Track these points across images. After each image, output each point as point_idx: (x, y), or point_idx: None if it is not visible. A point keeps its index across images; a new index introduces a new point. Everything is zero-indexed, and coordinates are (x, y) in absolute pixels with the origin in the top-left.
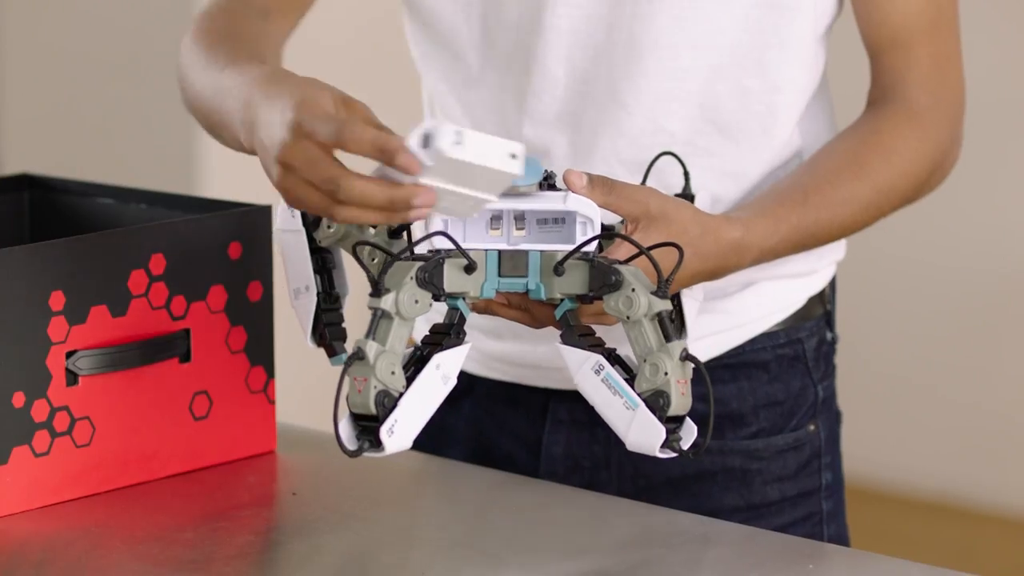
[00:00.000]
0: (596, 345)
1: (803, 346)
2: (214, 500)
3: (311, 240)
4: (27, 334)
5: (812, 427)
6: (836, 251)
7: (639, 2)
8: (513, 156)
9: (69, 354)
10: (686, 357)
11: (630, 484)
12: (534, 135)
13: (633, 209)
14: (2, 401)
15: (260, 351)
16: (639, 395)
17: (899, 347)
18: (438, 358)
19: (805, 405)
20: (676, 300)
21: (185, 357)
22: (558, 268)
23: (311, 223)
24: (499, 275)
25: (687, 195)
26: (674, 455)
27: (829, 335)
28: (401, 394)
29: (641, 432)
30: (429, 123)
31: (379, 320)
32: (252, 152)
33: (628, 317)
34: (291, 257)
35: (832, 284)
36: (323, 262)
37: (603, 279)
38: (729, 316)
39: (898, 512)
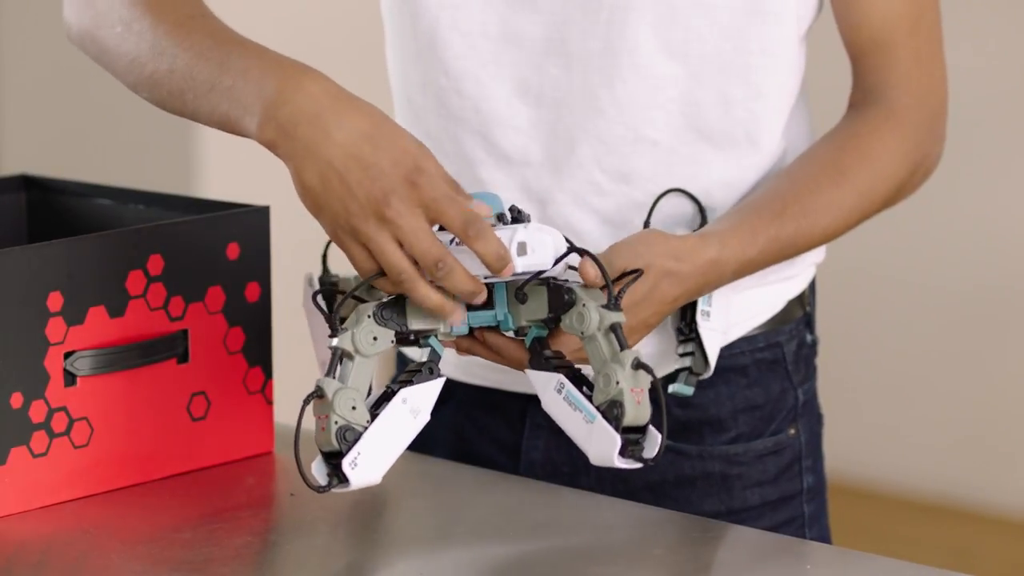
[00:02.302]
0: (562, 366)
1: (783, 349)
2: (212, 501)
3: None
4: (25, 335)
5: (792, 431)
6: (815, 253)
7: (614, 9)
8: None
9: (67, 355)
10: (639, 366)
11: (609, 488)
12: (509, 144)
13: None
14: (0, 402)
15: (258, 352)
16: (596, 408)
17: (880, 347)
18: (404, 393)
19: (785, 409)
20: (695, 334)
21: (183, 358)
22: (519, 294)
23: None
24: (467, 309)
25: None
26: (636, 465)
27: (809, 337)
28: (365, 428)
29: (599, 444)
30: (523, 234)
31: (339, 359)
32: (245, 135)
33: (583, 333)
34: (316, 332)
35: (812, 286)
36: None
37: (559, 299)
38: None
39: (883, 513)
